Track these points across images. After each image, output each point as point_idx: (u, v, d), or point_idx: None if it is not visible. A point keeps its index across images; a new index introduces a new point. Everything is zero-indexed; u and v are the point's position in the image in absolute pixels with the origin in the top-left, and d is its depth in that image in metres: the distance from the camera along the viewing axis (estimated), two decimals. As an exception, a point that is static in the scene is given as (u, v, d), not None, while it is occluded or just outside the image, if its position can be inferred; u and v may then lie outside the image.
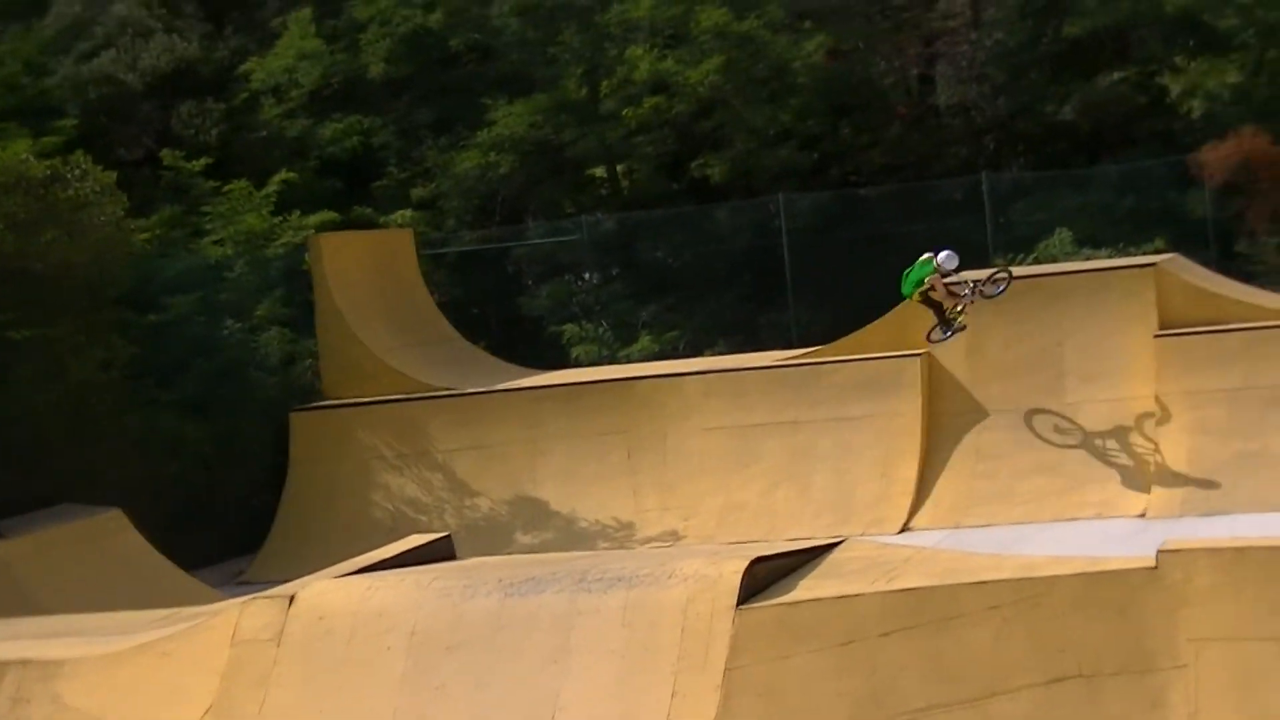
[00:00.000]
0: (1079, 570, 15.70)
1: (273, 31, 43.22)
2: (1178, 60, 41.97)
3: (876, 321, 27.97)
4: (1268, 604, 14.99)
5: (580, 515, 27.24)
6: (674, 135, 42.52)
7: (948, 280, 25.55)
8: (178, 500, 27.59)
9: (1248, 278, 32.55)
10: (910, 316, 27.24)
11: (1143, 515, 24.70)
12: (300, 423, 29.69)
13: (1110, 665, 15.08)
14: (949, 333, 25.96)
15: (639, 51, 41.44)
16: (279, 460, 29.57)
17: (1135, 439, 25.98)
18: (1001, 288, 25.96)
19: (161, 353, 29.03)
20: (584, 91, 42.98)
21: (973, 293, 25.81)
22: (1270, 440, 24.96)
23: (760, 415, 27.31)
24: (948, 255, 25.36)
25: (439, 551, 18.51)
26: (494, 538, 26.54)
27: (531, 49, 43.06)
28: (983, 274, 26.27)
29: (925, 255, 25.51)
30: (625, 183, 44.30)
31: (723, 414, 27.50)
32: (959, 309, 25.72)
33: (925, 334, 26.26)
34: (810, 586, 15.92)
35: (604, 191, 44.44)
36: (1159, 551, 15.53)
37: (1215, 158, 38.52)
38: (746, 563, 15.77)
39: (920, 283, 25.54)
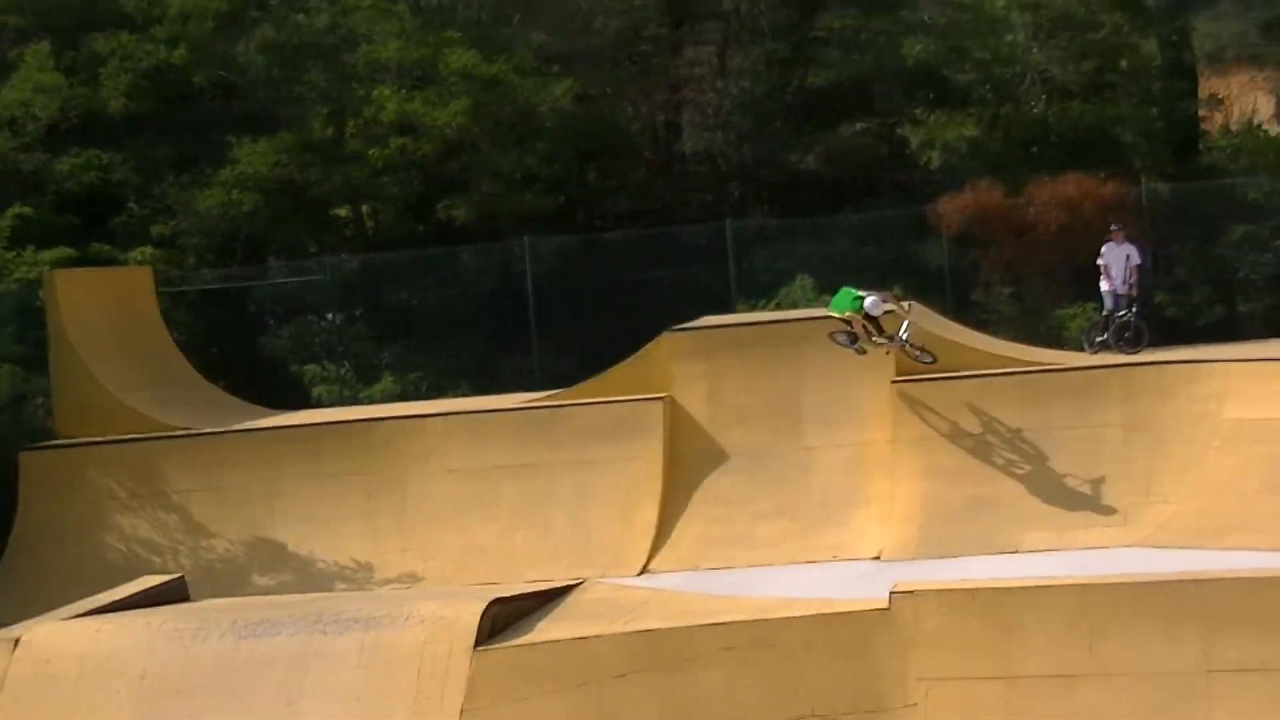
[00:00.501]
0: (813, 611, 15.91)
1: (8, 63, 42.28)
2: (918, 112, 42.77)
3: (619, 365, 28.06)
4: (994, 644, 15.31)
5: (318, 557, 26.94)
6: (420, 176, 42.27)
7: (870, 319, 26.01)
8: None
9: (982, 325, 33.22)
10: (652, 361, 27.41)
11: (878, 558, 25.01)
12: (30, 463, 29.00)
13: (843, 705, 15.29)
14: (851, 344, 26.39)
15: (386, 92, 41.20)
16: (7, 501, 28.83)
17: (871, 483, 26.32)
18: (927, 360, 26.46)
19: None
20: (329, 131, 42.55)
21: (893, 343, 26.19)
22: (1001, 485, 25.47)
23: (502, 458, 27.25)
24: (873, 302, 25.72)
25: (172, 593, 18.25)
26: (230, 580, 26.15)
27: (277, 87, 42.59)
28: (914, 340, 26.53)
29: (854, 293, 26.06)
30: (370, 223, 43.97)
31: (464, 456, 27.39)
32: (874, 342, 26.11)
33: (829, 333, 26.39)
34: (548, 628, 15.95)
35: (348, 232, 44.04)
36: (891, 593, 15.79)
37: (952, 209, 39.26)
38: (485, 604, 15.77)
39: (842, 312, 25.97)
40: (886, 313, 25.94)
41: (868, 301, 25.57)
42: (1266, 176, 41.47)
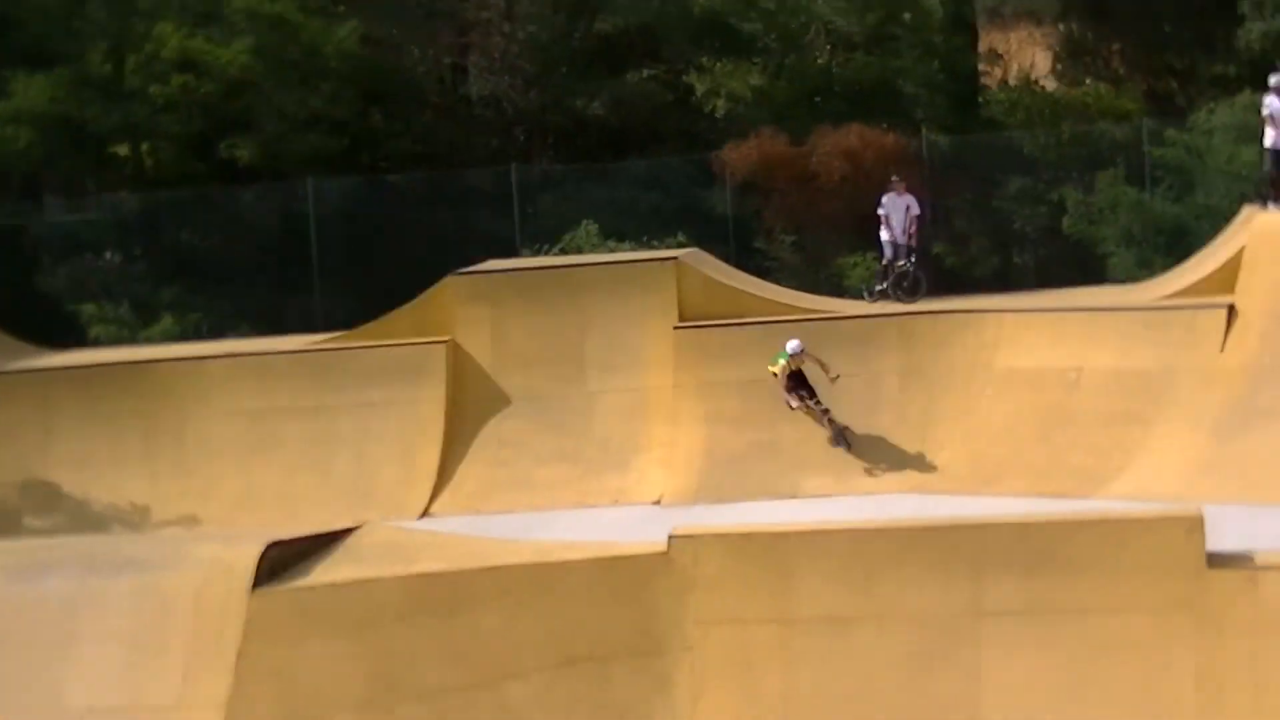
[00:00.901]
0: (592, 555, 15.99)
1: None
2: (703, 61, 42.96)
3: (403, 308, 27.93)
4: (770, 588, 15.51)
5: (94, 499, 26.54)
6: (202, 115, 41.71)
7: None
8: None
9: (764, 273, 33.52)
10: (436, 304, 27.32)
11: (658, 502, 25.19)
12: None
13: (620, 648, 15.39)
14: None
15: (168, 28, 40.57)
16: None
17: (653, 428, 26.45)
18: (842, 445, 25.93)
19: None
20: (108, 67, 41.86)
21: (821, 410, 25.97)
22: (781, 430, 25.73)
23: (283, 400, 27.03)
24: (794, 345, 25.52)
25: (-59, 534, 17.93)
26: (1, 522, 25.70)
27: (54, 21, 41.74)
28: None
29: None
30: (150, 162, 43.33)
31: (245, 398, 27.13)
32: (805, 403, 25.92)
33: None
34: (327, 570, 15.90)
35: (128, 170, 43.35)
36: (670, 537, 15.92)
37: (736, 157, 39.56)
38: (263, 546, 15.67)
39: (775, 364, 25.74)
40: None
41: (789, 345, 25.39)
42: (1042, 131, 42.23)
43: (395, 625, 15.32)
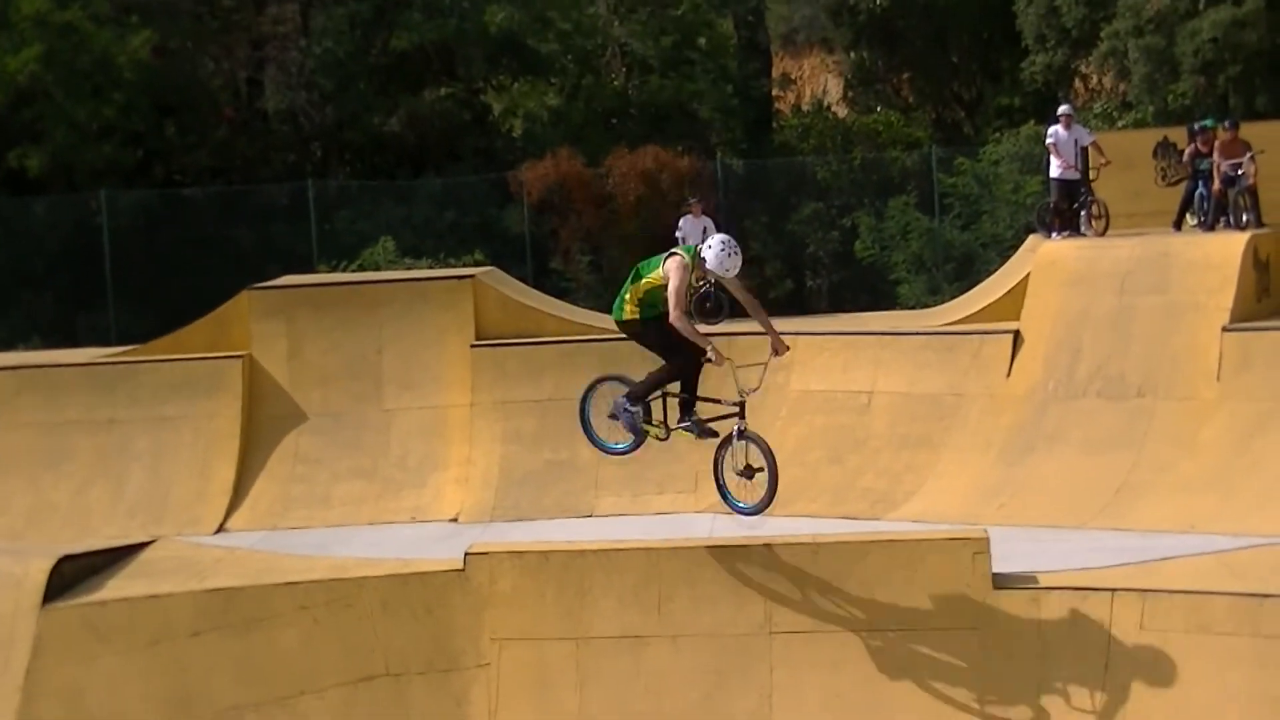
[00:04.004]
0: (389, 572, 16.00)
1: None
2: (501, 80, 43.09)
3: (198, 322, 27.62)
4: (565, 605, 15.59)
5: (-122, 512, 26.02)
6: (-14, 122, 41.15)
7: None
8: None
9: (561, 293, 33.63)
10: (232, 319, 27.07)
11: (455, 520, 25.16)
12: None
13: (417, 664, 15.41)
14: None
15: (-47, 36, 40.00)
16: None
17: (451, 447, 26.40)
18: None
19: None
20: (-112, 76, 41.12)
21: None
22: (577, 450, 25.68)
23: (74, 413, 26.56)
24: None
25: None
26: None
27: None
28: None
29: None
30: (-68, 171, 42.57)
31: (35, 411, 26.63)
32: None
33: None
34: (119, 586, 15.74)
35: (-88, 179, 42.59)
36: (466, 554, 15.96)
37: (533, 176, 39.74)
38: (54, 560, 15.45)
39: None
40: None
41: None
42: (834, 157, 42.84)
43: (189, 642, 15.20)
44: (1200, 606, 15.04)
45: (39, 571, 15.22)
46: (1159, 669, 14.97)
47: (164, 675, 15.05)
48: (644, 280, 15.74)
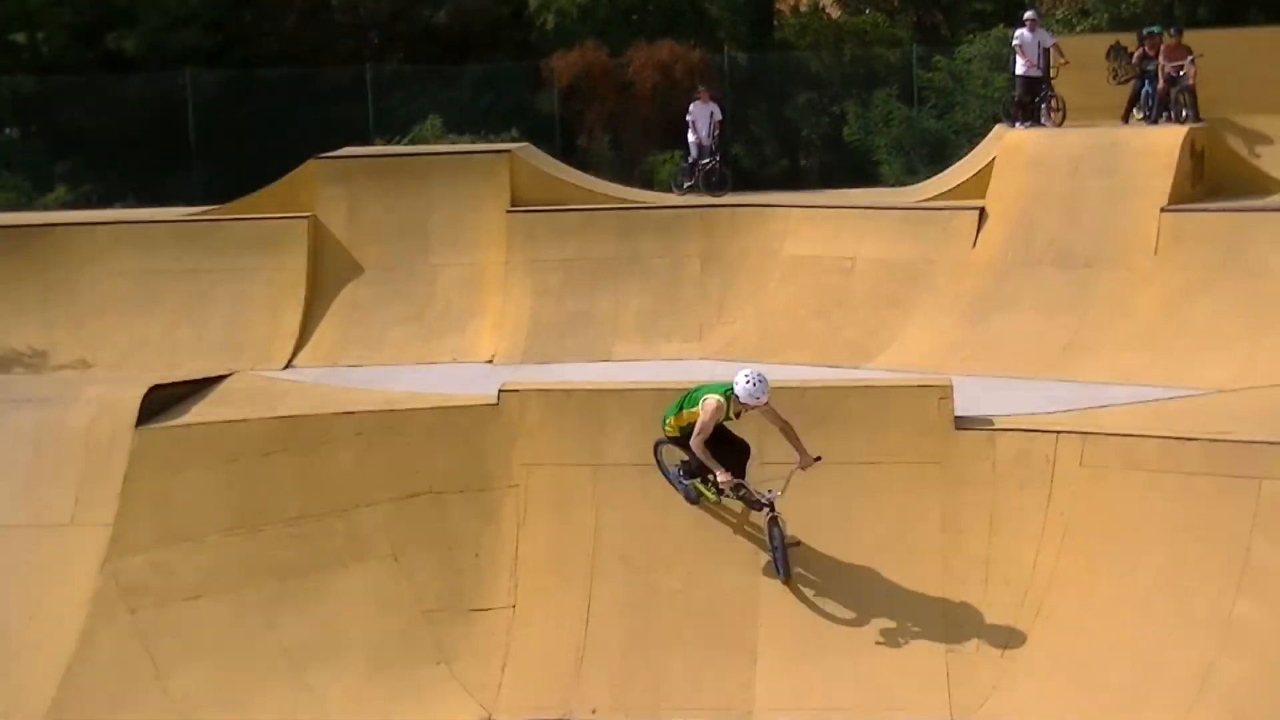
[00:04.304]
0: (432, 404, 16.07)
1: None
2: (535, -22, 42.69)
3: (269, 186, 27.57)
4: (584, 436, 15.68)
5: (-1, 346, 26.15)
6: (91, 7, 40.80)
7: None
8: None
9: (585, 168, 33.39)
10: (299, 184, 27.04)
11: (491, 361, 25.21)
12: None
13: (456, 484, 15.51)
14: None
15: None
16: None
17: (487, 298, 26.42)
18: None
19: None
20: (6, -39, 40.81)
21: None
22: (596, 302, 25.81)
23: (163, 263, 26.61)
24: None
25: None
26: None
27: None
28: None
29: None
30: (45, 49, 42.23)
31: (130, 260, 26.70)
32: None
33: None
34: (202, 412, 15.83)
35: (25, 56, 42.26)
36: (500, 391, 16.01)
37: (562, 65, 39.52)
38: (146, 389, 15.51)
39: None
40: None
41: (744, 382, 15.14)
42: (827, 53, 42.50)
43: (260, 460, 15.31)
44: (1132, 447, 15.10)
45: (133, 399, 15.30)
46: (1094, 499, 15.05)
47: (238, 488, 15.17)
48: (684, 413, 15.23)
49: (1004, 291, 23.48)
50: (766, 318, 25.21)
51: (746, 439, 15.68)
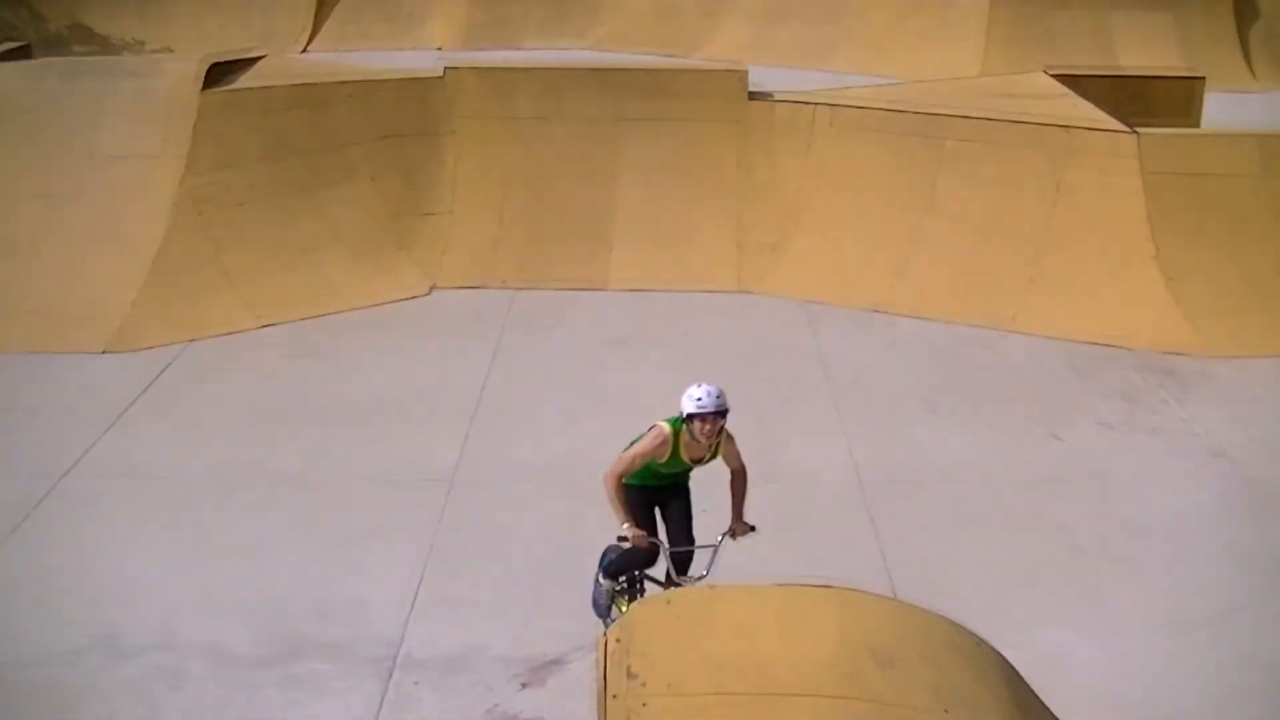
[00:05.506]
0: (400, 76, 15.66)
1: None
2: None
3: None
4: (502, 98, 15.36)
5: (112, 35, 24.96)
6: None
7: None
8: None
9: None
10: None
11: (439, 49, 24.57)
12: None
13: (414, 129, 15.27)
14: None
15: None
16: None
17: (439, 6, 25.64)
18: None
19: None
20: None
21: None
22: (512, 9, 25.09)
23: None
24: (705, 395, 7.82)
25: (20, 54, 16.95)
26: (57, 49, 23.86)
27: None
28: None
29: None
30: None
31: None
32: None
33: None
34: (245, 80, 15.37)
35: None
36: (445, 68, 15.57)
37: None
38: (208, 65, 15.07)
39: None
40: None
41: (696, 395, 6.98)
42: None
43: (285, 113, 14.86)
44: (864, 115, 15.02)
45: (200, 71, 14.78)
46: (837, 149, 15.03)
47: (270, 131, 14.76)
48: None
49: (787, 7, 23.04)
50: (630, 18, 24.72)
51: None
